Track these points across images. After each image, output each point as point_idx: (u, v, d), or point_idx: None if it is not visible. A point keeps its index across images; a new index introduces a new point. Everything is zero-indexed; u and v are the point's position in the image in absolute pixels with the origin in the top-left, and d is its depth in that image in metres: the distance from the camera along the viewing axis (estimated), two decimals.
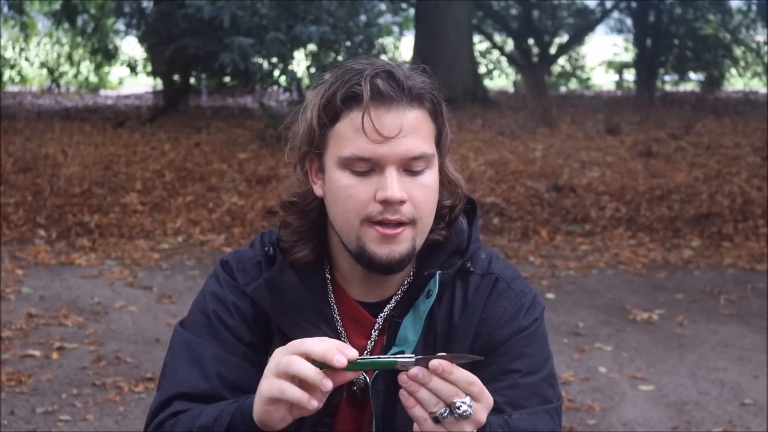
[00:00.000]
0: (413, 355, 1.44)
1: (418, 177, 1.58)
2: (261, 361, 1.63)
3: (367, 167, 1.57)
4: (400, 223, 1.57)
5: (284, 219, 1.70)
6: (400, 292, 1.67)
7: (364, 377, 1.65)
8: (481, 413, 1.43)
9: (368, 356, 1.61)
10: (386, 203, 1.56)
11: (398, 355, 1.44)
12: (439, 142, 1.63)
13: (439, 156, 1.64)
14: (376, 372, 1.62)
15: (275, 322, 1.66)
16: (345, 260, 1.66)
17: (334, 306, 1.69)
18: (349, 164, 1.57)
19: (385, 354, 1.62)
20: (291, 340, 1.63)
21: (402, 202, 1.56)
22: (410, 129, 1.56)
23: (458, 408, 1.41)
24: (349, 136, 1.57)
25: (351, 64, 1.61)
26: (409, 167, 1.58)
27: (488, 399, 1.44)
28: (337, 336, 1.66)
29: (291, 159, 1.69)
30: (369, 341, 1.67)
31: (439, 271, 1.63)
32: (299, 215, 1.69)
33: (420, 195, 1.58)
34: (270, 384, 1.43)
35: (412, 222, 1.58)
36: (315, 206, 1.67)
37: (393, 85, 1.56)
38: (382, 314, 1.67)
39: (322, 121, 1.59)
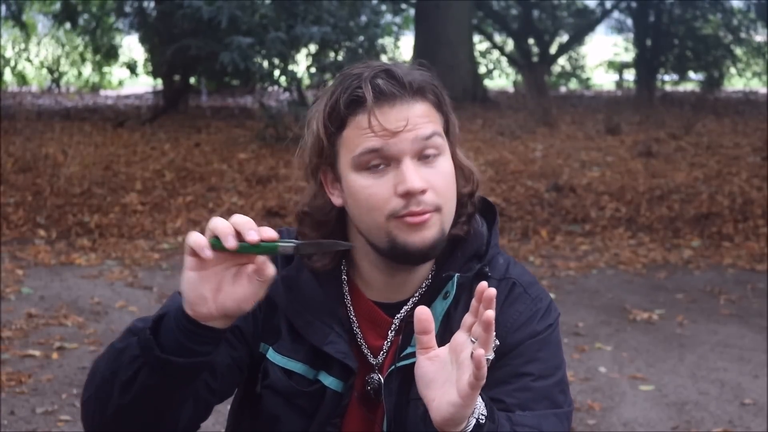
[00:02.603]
0: (294, 241, 1.48)
1: (435, 164, 1.59)
2: (237, 346, 1.64)
3: (382, 163, 1.57)
4: (425, 212, 1.58)
5: (300, 230, 1.70)
6: (418, 293, 1.68)
7: (379, 377, 1.66)
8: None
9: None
10: (408, 195, 1.56)
11: (280, 241, 1.47)
12: (447, 131, 1.64)
13: (450, 144, 1.65)
14: (390, 370, 1.63)
15: (289, 318, 1.67)
16: (368, 262, 1.66)
17: (350, 307, 1.69)
18: (363, 163, 1.57)
19: (401, 354, 1.63)
20: (302, 338, 1.64)
21: (423, 191, 1.56)
22: (417, 120, 1.57)
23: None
24: (358, 138, 1.57)
25: (348, 70, 1.62)
26: (423, 154, 1.58)
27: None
28: (352, 337, 1.67)
29: (302, 172, 1.68)
30: (385, 342, 1.68)
31: (457, 274, 1.64)
32: (316, 226, 1.68)
33: (440, 181, 1.59)
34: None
35: (437, 209, 1.58)
36: (332, 216, 1.67)
37: (393, 83, 1.57)
38: (399, 315, 1.67)
39: (329, 131, 1.60)
